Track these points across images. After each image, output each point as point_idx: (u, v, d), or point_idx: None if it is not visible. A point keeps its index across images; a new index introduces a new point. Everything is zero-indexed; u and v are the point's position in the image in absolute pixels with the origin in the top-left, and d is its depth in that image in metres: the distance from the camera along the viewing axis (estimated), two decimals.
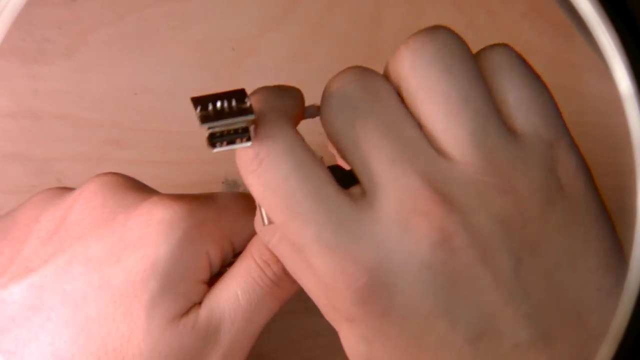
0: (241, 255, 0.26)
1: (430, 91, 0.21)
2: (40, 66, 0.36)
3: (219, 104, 0.20)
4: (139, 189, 0.27)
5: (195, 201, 0.26)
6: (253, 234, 0.26)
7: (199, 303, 0.25)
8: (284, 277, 0.25)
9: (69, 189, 0.28)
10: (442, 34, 0.22)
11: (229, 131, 0.20)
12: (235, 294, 0.25)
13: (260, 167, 0.21)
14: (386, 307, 0.20)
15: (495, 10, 0.40)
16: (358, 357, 0.23)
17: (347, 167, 0.23)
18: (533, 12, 0.41)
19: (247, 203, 0.27)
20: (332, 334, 0.39)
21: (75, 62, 0.36)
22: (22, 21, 0.36)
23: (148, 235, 0.24)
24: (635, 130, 0.16)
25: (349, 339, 0.23)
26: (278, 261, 0.25)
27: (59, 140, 0.36)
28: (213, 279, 0.26)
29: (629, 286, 0.16)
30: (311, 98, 0.38)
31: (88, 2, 0.37)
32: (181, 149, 0.37)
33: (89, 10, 0.37)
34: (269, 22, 0.38)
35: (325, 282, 0.21)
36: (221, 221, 0.26)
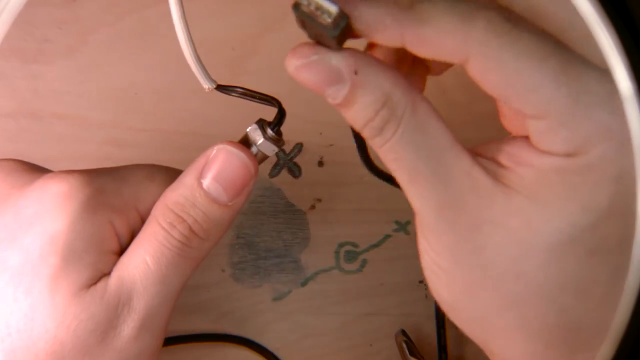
0: (146, 220, 0.25)
1: None
2: (40, 66, 0.36)
3: None
4: (34, 170, 0.26)
5: (93, 172, 0.25)
6: (157, 199, 0.25)
7: (109, 273, 0.24)
8: (192, 236, 0.25)
9: None
10: None
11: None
12: (144, 259, 0.24)
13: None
14: None
15: None
16: None
17: None
18: None
19: (150, 170, 0.26)
20: (332, 334, 0.39)
21: (75, 62, 0.36)
22: (22, 21, 0.36)
23: (44, 211, 0.23)
24: (635, 130, 0.16)
25: None
26: (183, 221, 0.24)
27: (59, 140, 0.36)
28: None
29: (629, 286, 0.16)
30: (311, 98, 0.38)
31: (88, 2, 0.37)
32: (181, 149, 0.37)
33: (89, 10, 0.37)
34: (269, 22, 0.38)
35: None
36: (122, 189, 0.25)
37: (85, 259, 0.24)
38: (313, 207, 0.37)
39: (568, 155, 0.19)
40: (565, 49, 0.19)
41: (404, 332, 0.36)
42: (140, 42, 0.37)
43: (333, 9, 0.19)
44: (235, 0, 0.38)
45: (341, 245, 0.37)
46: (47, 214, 0.23)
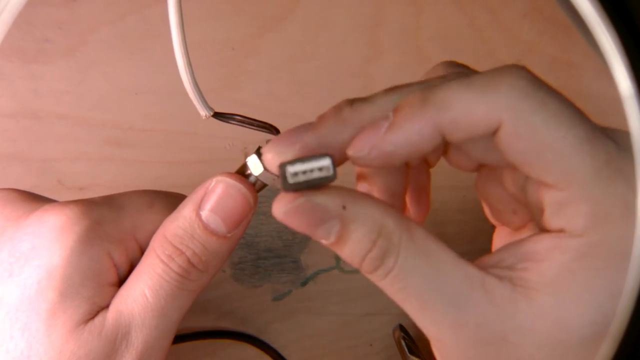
0: (145, 252, 0.25)
1: None
2: (40, 66, 0.36)
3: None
4: (32, 200, 0.26)
5: (90, 203, 0.25)
6: (157, 228, 0.25)
7: (107, 307, 0.24)
8: (190, 269, 0.25)
9: None
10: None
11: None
12: (143, 292, 0.24)
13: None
14: None
15: (495, 10, 0.40)
16: None
17: None
18: (533, 12, 0.41)
19: (148, 197, 0.26)
20: (332, 334, 0.39)
21: (75, 62, 0.36)
22: (22, 21, 0.36)
23: (40, 245, 0.23)
24: (635, 130, 0.16)
25: None
26: (182, 254, 0.24)
27: (59, 140, 0.36)
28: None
29: (629, 286, 0.16)
30: (311, 98, 0.38)
31: (88, 2, 0.37)
32: (181, 149, 0.37)
33: (89, 10, 0.37)
34: (269, 22, 0.38)
35: None
36: (120, 218, 0.25)
37: (82, 293, 0.23)
38: None
39: (585, 229, 0.19)
40: (586, 117, 0.19)
41: (401, 327, 0.35)
42: (140, 42, 0.37)
43: (328, 166, 0.19)
44: (235, 0, 0.38)
45: None
46: (44, 248, 0.23)
